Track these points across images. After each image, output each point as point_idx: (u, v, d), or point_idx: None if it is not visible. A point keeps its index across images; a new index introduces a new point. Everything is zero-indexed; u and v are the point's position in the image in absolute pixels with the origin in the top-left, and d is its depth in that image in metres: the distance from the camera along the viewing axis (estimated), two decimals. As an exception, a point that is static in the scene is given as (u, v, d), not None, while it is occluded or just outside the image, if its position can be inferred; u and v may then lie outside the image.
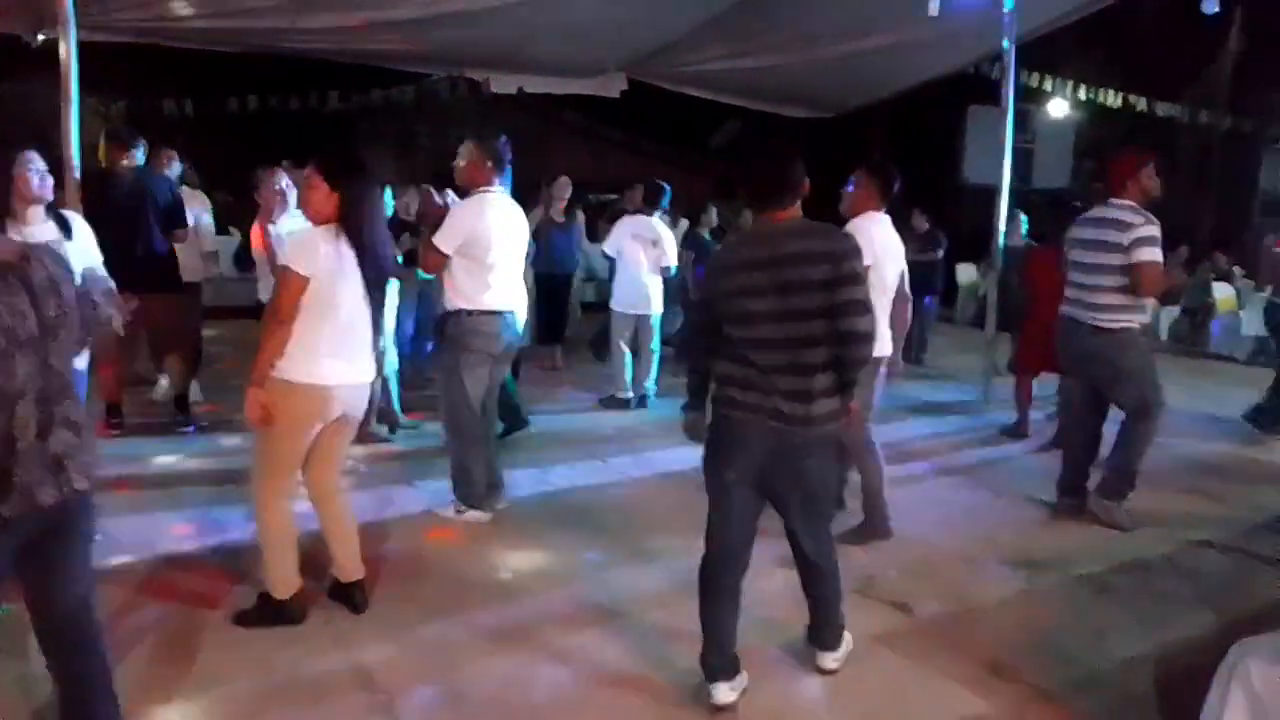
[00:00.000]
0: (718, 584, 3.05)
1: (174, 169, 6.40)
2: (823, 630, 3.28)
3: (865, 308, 2.87)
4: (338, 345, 3.31)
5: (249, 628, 3.39)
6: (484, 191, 4.46)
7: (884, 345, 4.30)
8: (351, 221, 3.29)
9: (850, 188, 4.42)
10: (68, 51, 4.91)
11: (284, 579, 3.42)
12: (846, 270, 2.85)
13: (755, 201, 3.03)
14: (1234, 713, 2.52)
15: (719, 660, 3.02)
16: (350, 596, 3.59)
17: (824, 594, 3.24)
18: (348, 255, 3.27)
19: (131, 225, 5.55)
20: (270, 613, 3.42)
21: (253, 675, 3.10)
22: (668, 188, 7.58)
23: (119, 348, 5.64)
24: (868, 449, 4.44)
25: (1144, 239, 4.51)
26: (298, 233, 3.66)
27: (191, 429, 5.95)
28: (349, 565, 3.61)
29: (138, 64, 11.12)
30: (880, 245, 4.22)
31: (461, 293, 4.44)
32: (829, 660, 3.27)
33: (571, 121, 16.67)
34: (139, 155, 5.80)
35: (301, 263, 3.20)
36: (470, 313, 4.44)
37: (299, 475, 3.49)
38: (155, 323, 5.72)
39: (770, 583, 3.98)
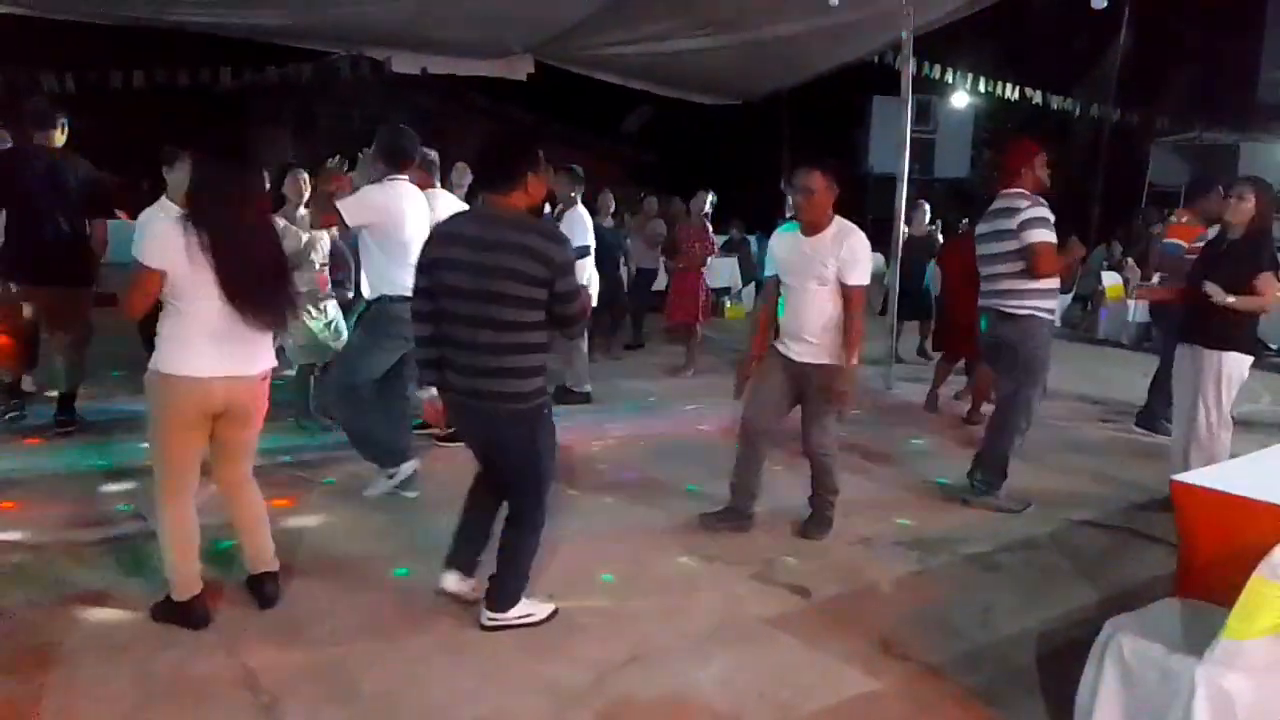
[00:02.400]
0: (471, 492, 3.52)
1: None
2: (495, 585, 3.36)
3: (576, 319, 3.22)
4: (212, 336, 3.12)
5: (160, 622, 3.27)
6: (392, 179, 4.49)
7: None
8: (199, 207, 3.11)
9: (807, 193, 4.14)
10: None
11: (180, 581, 3.27)
12: (565, 286, 3.09)
13: (478, 182, 3.27)
14: (1108, 684, 2.62)
15: (453, 549, 3.49)
16: (260, 587, 3.48)
17: (511, 546, 3.34)
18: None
19: (42, 210, 5.23)
20: (170, 613, 3.28)
21: (133, 678, 2.95)
22: (579, 171, 7.36)
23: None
24: (832, 452, 4.38)
25: (1032, 220, 4.57)
26: (157, 222, 3.42)
27: (74, 428, 5.59)
28: (258, 557, 3.50)
29: (16, 35, 10.50)
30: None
31: (384, 278, 4.46)
32: (484, 616, 3.35)
33: (478, 104, 16.41)
34: (57, 136, 5.41)
35: (154, 256, 3.05)
36: (392, 299, 4.41)
37: (195, 473, 3.30)
38: (55, 316, 5.42)
39: (677, 568, 4.01)
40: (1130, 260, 11.94)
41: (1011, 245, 4.64)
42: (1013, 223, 4.62)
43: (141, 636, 3.21)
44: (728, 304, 12.83)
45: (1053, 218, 4.65)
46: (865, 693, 3.09)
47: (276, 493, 4.39)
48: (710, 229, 8.85)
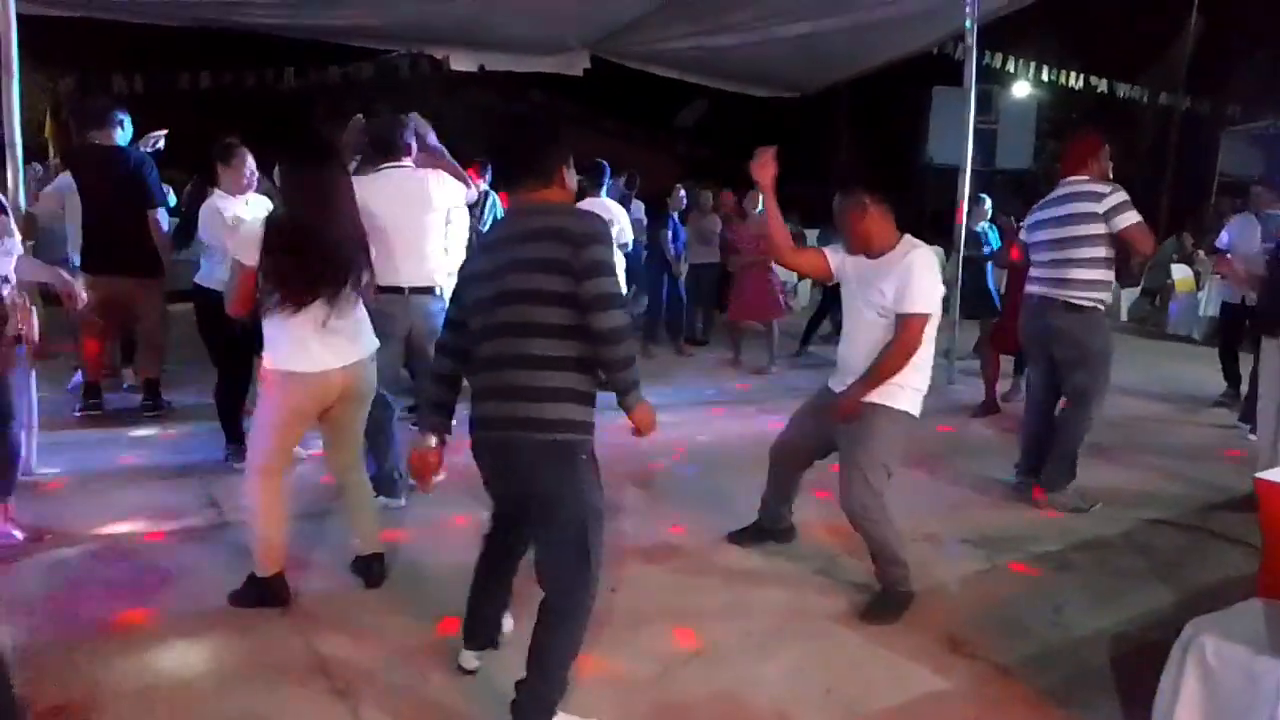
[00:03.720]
0: (480, 563, 2.99)
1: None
2: (523, 694, 2.64)
3: (609, 302, 2.47)
4: (317, 329, 3.26)
5: (240, 607, 3.39)
6: (377, 168, 4.42)
7: (913, 396, 3.61)
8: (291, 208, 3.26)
9: (855, 217, 3.59)
10: (6, 21, 4.71)
11: (267, 557, 3.41)
12: (587, 258, 2.45)
13: (502, 180, 2.77)
14: (1189, 687, 2.54)
15: (470, 627, 3.02)
16: (369, 568, 3.64)
17: (544, 643, 2.63)
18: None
19: (101, 205, 5.49)
20: (255, 592, 3.41)
21: (210, 662, 3.05)
22: (605, 165, 7.63)
23: (95, 328, 5.60)
24: (879, 515, 3.55)
25: (1120, 204, 4.54)
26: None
27: (159, 412, 5.89)
28: (366, 538, 3.67)
29: (86, 38, 10.78)
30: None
31: None
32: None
33: (535, 100, 16.51)
34: (118, 133, 5.66)
35: (244, 254, 3.22)
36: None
37: (292, 454, 3.51)
38: (125, 306, 5.68)
39: (739, 564, 3.99)
40: (1201, 252, 11.59)
41: (1098, 229, 4.57)
42: (1099, 207, 4.55)
43: (217, 623, 3.30)
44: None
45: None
46: (934, 691, 3.05)
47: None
48: None
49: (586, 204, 7.30)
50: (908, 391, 3.59)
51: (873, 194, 3.59)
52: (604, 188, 7.58)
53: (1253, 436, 5.79)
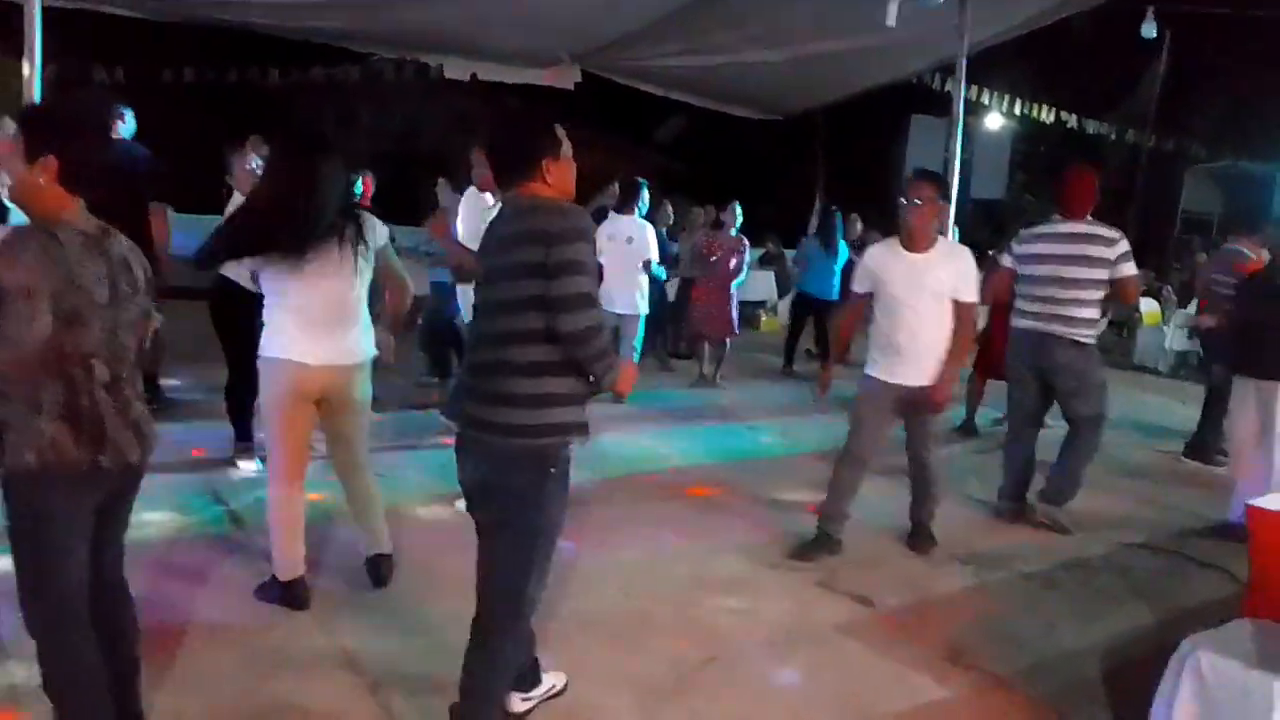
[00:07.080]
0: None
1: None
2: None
3: (576, 303, 2.36)
4: (308, 323, 3.25)
5: (266, 603, 3.42)
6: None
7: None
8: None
9: (920, 202, 4.17)
10: (31, 9, 4.66)
11: (285, 563, 3.42)
12: (558, 256, 2.34)
13: (495, 179, 2.69)
14: (1184, 698, 2.69)
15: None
16: (374, 569, 3.66)
17: (477, 675, 2.64)
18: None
19: (109, 200, 5.42)
20: (275, 593, 3.43)
21: (238, 659, 3.08)
22: (643, 185, 7.47)
23: None
24: (940, 461, 4.60)
25: (1126, 254, 4.74)
26: None
27: (156, 408, 5.81)
28: (372, 539, 3.68)
29: (66, 27, 10.66)
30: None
31: None
32: (516, 700, 2.85)
33: (516, 109, 16.55)
34: (120, 127, 5.61)
35: None
36: None
37: (304, 457, 3.44)
38: None
39: (743, 573, 4.09)
40: (1169, 288, 11.95)
41: (1103, 274, 4.74)
42: (1110, 253, 4.72)
43: (238, 619, 3.34)
44: (764, 317, 12.92)
45: None
46: (938, 700, 3.19)
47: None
48: (745, 242, 8.96)
49: (610, 223, 7.17)
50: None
51: (942, 193, 4.34)
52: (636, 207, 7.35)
53: (1220, 470, 6.03)
